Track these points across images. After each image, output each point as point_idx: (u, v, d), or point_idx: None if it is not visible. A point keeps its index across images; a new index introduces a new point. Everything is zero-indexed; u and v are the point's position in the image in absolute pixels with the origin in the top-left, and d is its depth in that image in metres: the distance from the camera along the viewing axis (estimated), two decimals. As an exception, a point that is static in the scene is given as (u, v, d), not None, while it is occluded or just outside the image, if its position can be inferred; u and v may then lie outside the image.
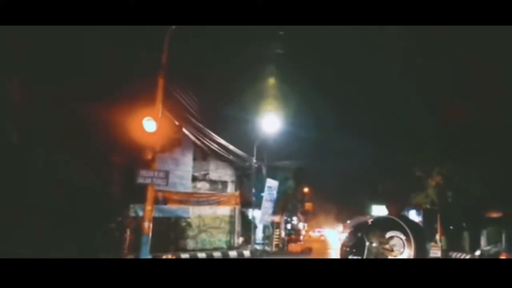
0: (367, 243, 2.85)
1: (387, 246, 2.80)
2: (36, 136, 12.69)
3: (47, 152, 12.87)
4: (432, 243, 30.90)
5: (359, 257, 2.87)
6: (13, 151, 12.06)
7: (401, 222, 2.97)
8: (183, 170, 21.35)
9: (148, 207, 11.61)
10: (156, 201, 14.68)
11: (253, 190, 26.00)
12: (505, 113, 28.63)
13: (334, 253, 30.94)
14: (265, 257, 23.42)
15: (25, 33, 10.89)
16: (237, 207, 25.32)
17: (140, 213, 14.37)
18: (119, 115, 12.17)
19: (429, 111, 32.32)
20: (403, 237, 2.83)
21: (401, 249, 2.69)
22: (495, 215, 31.13)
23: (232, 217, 25.05)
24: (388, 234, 2.92)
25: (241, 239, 26.02)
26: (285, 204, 36.53)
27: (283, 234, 36.77)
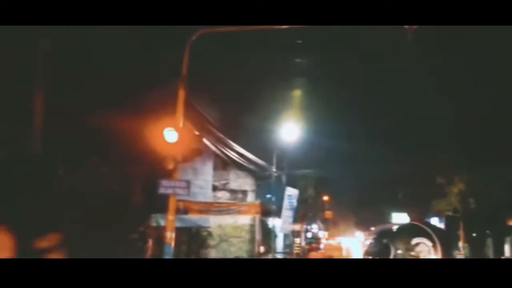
0: (393, 250, 2.74)
1: (413, 253, 2.70)
2: (57, 147, 12.81)
3: (68, 163, 12.96)
4: (456, 251, 30.30)
5: (385, 265, 2.75)
6: (35, 162, 12.18)
7: (427, 229, 2.84)
8: (203, 180, 21.32)
9: (170, 217, 11.60)
10: (177, 211, 14.68)
11: (273, 199, 25.84)
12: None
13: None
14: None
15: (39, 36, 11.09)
16: (258, 216, 25.18)
17: (162, 223, 14.34)
18: (140, 125, 12.23)
19: (450, 117, 31.94)
20: (430, 244, 2.72)
21: (427, 255, 2.58)
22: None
23: (252, 226, 24.88)
24: (414, 241, 2.81)
25: (262, 248, 25.83)
26: (305, 213, 36.30)
27: (303, 242, 36.46)
